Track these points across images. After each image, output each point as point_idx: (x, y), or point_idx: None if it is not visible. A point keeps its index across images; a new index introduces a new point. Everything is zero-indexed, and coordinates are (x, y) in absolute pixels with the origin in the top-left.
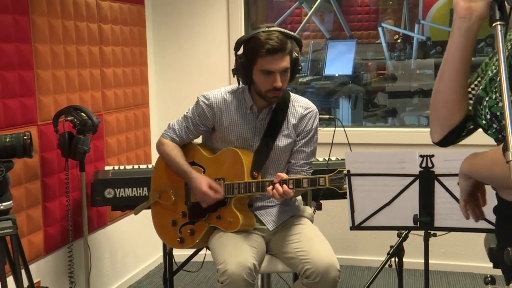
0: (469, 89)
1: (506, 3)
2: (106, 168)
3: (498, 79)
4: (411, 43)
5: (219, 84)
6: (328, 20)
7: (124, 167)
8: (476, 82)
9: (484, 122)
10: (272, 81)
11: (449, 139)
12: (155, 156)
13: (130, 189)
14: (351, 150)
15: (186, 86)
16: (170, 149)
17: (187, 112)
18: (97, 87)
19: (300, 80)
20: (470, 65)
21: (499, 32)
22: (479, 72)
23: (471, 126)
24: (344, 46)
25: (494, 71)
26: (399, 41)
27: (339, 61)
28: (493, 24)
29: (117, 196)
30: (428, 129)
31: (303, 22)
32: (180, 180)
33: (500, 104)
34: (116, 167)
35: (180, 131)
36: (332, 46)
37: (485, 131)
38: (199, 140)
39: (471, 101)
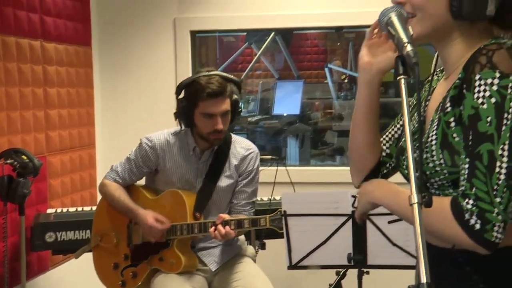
0: (385, 137)
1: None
2: (49, 211)
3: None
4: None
5: (166, 125)
6: (279, 60)
7: (68, 209)
8: (390, 130)
9: (406, 171)
10: (213, 123)
11: None
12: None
13: (72, 232)
14: (294, 190)
15: (133, 128)
16: (114, 190)
17: (130, 154)
18: (40, 129)
19: (249, 119)
20: (378, 110)
21: (403, 86)
22: (395, 122)
23: (385, 171)
24: (292, 86)
25: (416, 125)
26: (345, 81)
27: (287, 101)
28: (397, 78)
29: (58, 239)
30: None
31: (252, 62)
32: (123, 222)
33: (426, 156)
34: (59, 210)
35: (123, 173)
36: (280, 86)
37: (409, 181)
38: (142, 181)
39: (384, 147)
